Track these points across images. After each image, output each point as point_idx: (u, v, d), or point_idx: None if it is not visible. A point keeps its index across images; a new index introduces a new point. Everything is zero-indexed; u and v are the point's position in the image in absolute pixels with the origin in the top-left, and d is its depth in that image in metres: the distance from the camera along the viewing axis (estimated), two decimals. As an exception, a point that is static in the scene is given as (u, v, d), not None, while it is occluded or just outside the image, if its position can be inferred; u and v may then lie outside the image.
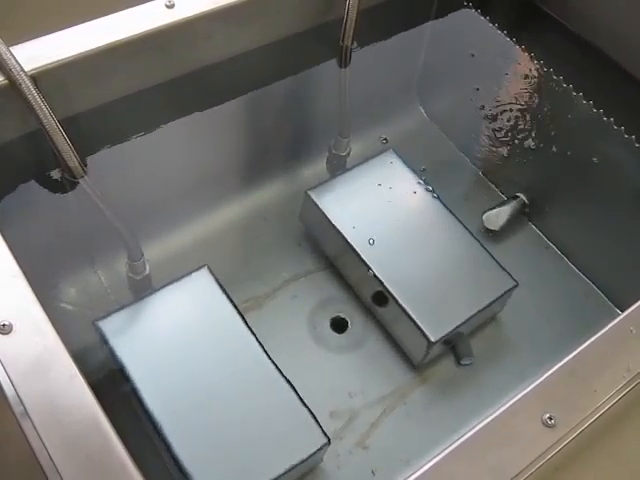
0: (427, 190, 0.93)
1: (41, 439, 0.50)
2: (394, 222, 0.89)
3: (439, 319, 0.83)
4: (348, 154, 0.97)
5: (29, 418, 0.51)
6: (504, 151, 1.03)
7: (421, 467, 0.52)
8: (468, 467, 0.52)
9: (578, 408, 0.56)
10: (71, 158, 0.66)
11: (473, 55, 1.01)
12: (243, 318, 0.78)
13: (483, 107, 1.03)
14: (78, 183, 0.68)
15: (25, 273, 0.57)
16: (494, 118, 1.02)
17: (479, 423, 0.55)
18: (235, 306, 0.79)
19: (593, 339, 0.60)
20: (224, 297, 0.80)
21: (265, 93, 0.89)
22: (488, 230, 0.99)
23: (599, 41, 0.89)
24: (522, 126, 0.99)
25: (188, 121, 0.84)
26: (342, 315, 0.90)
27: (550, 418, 0.55)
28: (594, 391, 0.57)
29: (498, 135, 1.02)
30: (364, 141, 1.03)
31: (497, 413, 0.55)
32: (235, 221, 0.96)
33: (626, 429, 0.58)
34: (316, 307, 0.90)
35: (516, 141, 1.00)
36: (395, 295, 0.83)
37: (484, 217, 0.99)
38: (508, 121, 1.00)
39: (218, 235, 0.94)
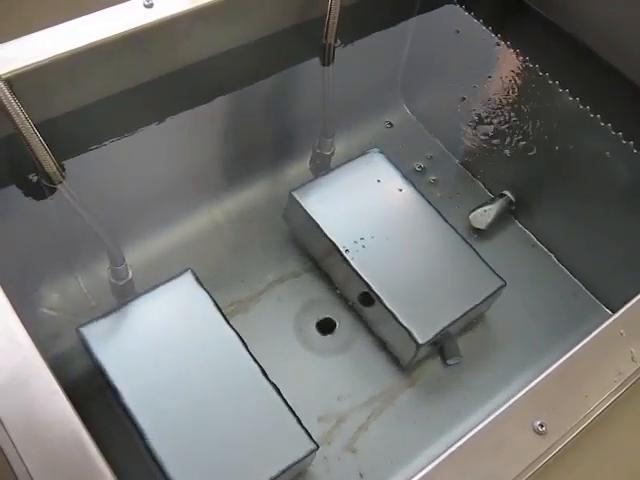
0: (413, 189, 0.92)
1: (20, 456, 0.49)
2: (379, 222, 0.89)
3: (427, 320, 0.82)
4: (332, 153, 0.96)
5: (7, 435, 0.49)
6: (490, 149, 1.02)
7: (410, 478, 0.51)
8: (458, 478, 0.51)
9: (569, 414, 0.55)
10: (49, 163, 0.65)
11: (458, 51, 1.01)
12: (228, 322, 0.78)
13: (469, 104, 1.02)
14: (56, 189, 0.66)
15: (1, 282, 0.56)
16: (480, 116, 1.02)
17: (469, 432, 0.53)
18: (220, 310, 0.79)
19: (583, 343, 0.59)
20: (209, 301, 0.79)
21: (247, 92, 0.89)
22: (475, 229, 0.98)
23: (586, 37, 0.88)
24: (508, 123, 0.98)
25: (169, 122, 0.83)
26: (329, 317, 0.90)
27: (541, 425, 0.54)
28: (585, 396, 0.56)
29: (484, 133, 1.02)
30: (348, 140, 1.03)
31: (487, 421, 0.54)
32: (219, 223, 0.95)
33: (618, 434, 0.57)
34: (302, 309, 0.90)
35: (502, 138, 1.00)
36: (381, 296, 0.83)
37: (471, 216, 0.98)
38: (494, 118, 1.00)
39: (201, 238, 0.94)
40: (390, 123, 1.09)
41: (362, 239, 0.87)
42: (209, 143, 0.93)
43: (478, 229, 0.98)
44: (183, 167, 0.92)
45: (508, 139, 0.99)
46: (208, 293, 0.79)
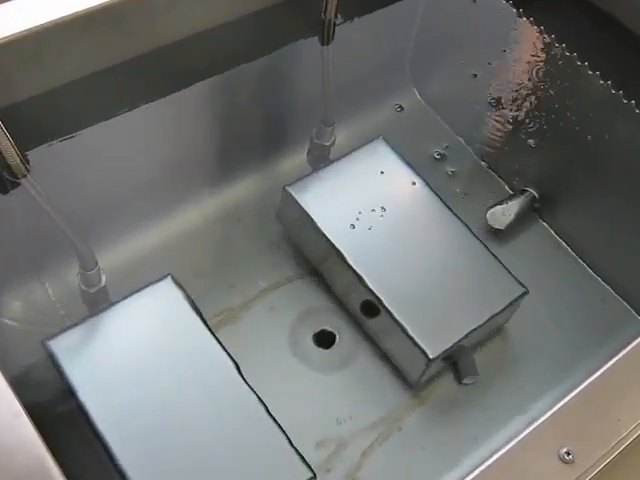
0: (423, 183, 0.93)
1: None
2: (385, 222, 0.89)
3: (438, 332, 0.83)
4: (332, 144, 0.96)
5: (-35, 463, 0.49)
6: (510, 138, 1.02)
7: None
8: (476, 511, 0.51)
9: (599, 441, 0.55)
10: (12, 155, 0.64)
11: (473, 28, 1.01)
12: (214, 334, 0.78)
13: (486, 88, 1.02)
14: (20, 183, 0.66)
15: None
16: (498, 100, 1.02)
17: (486, 460, 0.54)
18: (204, 321, 0.79)
19: (616, 359, 0.60)
20: (191, 310, 0.79)
21: (236, 75, 0.88)
22: (493, 229, 0.99)
23: (618, 12, 0.88)
24: (530, 109, 0.98)
25: (148, 109, 0.82)
26: (328, 328, 0.90)
27: (568, 453, 0.55)
28: (617, 420, 0.57)
29: (503, 119, 1.02)
30: (351, 128, 1.03)
31: (507, 448, 0.55)
32: (203, 223, 0.96)
33: (654, 463, 0.57)
34: (298, 320, 0.90)
35: (524, 126, 1.00)
36: (387, 305, 0.83)
37: (488, 214, 0.99)
38: (514, 103, 1.00)
39: (184, 239, 0.94)
40: (400, 107, 1.10)
41: (365, 240, 0.87)
42: (193, 132, 0.93)
43: (497, 229, 0.98)
44: (164, 159, 0.92)
45: (531, 127, 0.99)
46: (191, 301, 0.79)
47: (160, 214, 0.94)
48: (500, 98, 1.01)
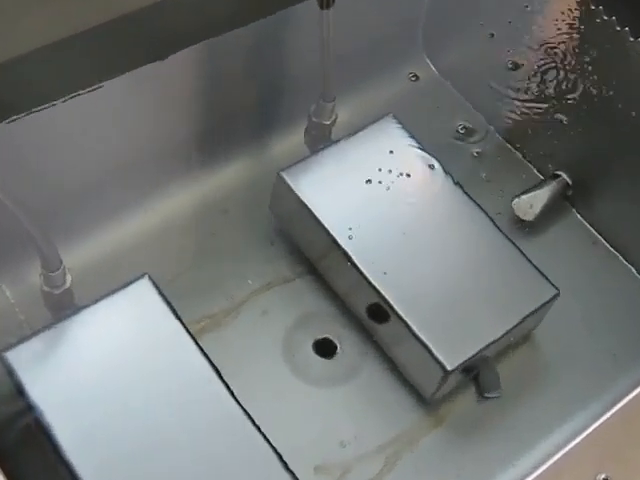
0: (440, 169, 0.93)
1: None
2: (396, 213, 0.89)
3: (456, 341, 0.83)
4: (333, 123, 0.96)
5: None
6: (538, 113, 1.02)
7: None
8: None
9: (643, 466, 0.55)
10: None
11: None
12: (197, 343, 0.78)
13: (508, 55, 1.02)
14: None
15: None
16: (523, 70, 1.02)
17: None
18: (186, 327, 0.79)
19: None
20: (171, 316, 0.79)
21: (224, 42, 0.89)
22: (520, 221, 0.99)
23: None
24: (561, 81, 0.98)
25: (121, 82, 0.82)
26: (329, 336, 0.90)
27: (606, 479, 0.54)
28: (663, 443, 0.56)
29: (530, 92, 1.02)
30: (354, 105, 1.04)
31: (536, 474, 0.54)
32: (185, 214, 0.96)
33: None
34: (294, 326, 0.90)
35: (555, 101, 1.00)
36: (398, 309, 0.83)
37: (514, 204, 0.99)
38: (542, 73, 1.00)
39: (162, 233, 0.94)
40: (415, 75, 1.10)
41: (372, 235, 0.87)
42: (172, 110, 0.93)
43: (524, 221, 0.99)
44: (139, 141, 0.91)
45: (562, 101, 0.99)
46: (170, 305, 0.79)
47: (134, 204, 0.94)
48: (525, 67, 1.01)
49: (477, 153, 1.06)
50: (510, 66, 1.02)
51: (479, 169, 1.04)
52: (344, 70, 0.92)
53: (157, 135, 0.93)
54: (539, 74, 1.00)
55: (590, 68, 0.95)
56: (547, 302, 0.86)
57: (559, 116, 0.99)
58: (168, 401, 0.74)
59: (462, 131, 1.08)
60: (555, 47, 0.97)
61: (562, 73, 0.98)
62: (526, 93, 1.02)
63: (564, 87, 0.98)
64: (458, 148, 1.05)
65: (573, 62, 0.96)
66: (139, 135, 0.91)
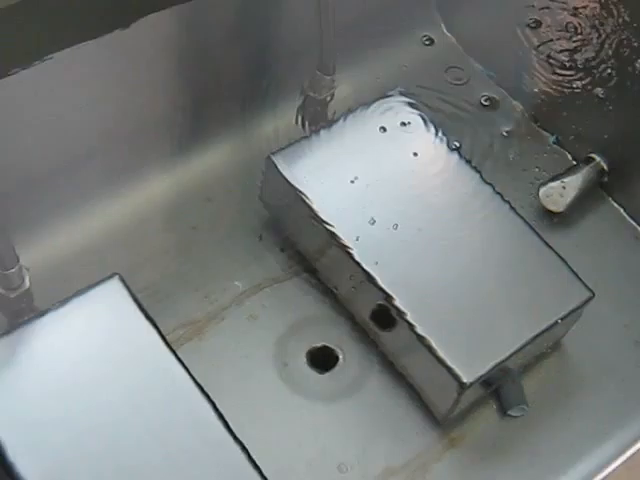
0: (454, 151, 0.93)
1: None
2: (404, 202, 0.89)
3: (475, 350, 0.83)
4: (332, 98, 0.97)
5: None
6: (569, 87, 1.02)
7: None
8: None
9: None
10: None
11: None
12: (175, 354, 0.77)
13: (529, 14, 1.03)
14: None
15: None
16: (548, 33, 1.02)
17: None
18: (162, 335, 0.78)
19: None
20: (145, 322, 0.79)
21: (207, 3, 0.89)
22: (548, 212, 0.99)
23: None
24: (596, 48, 0.98)
25: (85, 50, 0.82)
26: (328, 345, 0.90)
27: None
28: None
29: (558, 61, 1.02)
30: (356, 78, 1.04)
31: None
32: (161, 205, 0.97)
33: None
34: (287, 333, 0.90)
35: (587, 71, 1.00)
36: (407, 313, 0.83)
37: (542, 192, 0.99)
38: (572, 38, 1.00)
39: (135, 227, 0.94)
40: (419, 50, 1.10)
41: (377, 227, 0.87)
42: (148, 82, 0.93)
43: (553, 212, 0.99)
44: (107, 120, 0.91)
45: (598, 73, 0.99)
46: (144, 310, 0.79)
47: (103, 193, 0.94)
48: (546, 26, 1.01)
49: (498, 132, 1.06)
50: (532, 25, 1.02)
51: (501, 151, 1.04)
52: (346, 36, 0.93)
53: (128, 113, 0.93)
54: (572, 42, 1.00)
55: (628, 31, 0.95)
56: (580, 306, 0.86)
57: (594, 90, 0.99)
58: (143, 422, 0.74)
59: (482, 107, 1.08)
60: (591, 12, 0.97)
61: (601, 42, 0.98)
62: (554, 62, 1.02)
63: (598, 54, 0.98)
64: (477, 126, 1.05)
65: (612, 27, 0.96)
66: (108, 114, 0.91)
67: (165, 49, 0.91)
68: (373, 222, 0.87)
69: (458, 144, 0.92)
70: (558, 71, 1.02)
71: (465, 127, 1.04)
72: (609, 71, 0.97)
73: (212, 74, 0.96)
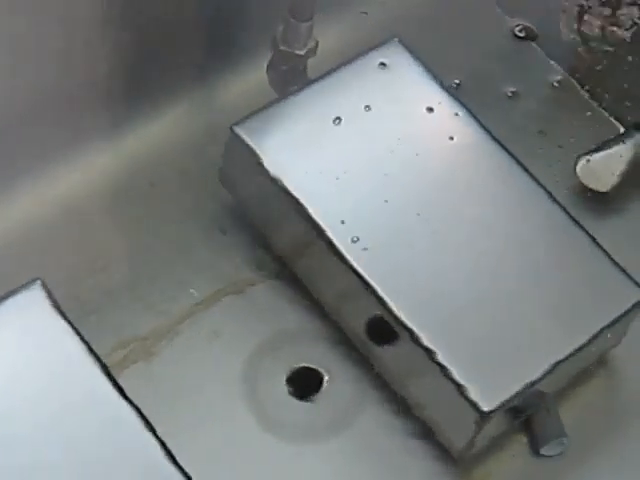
0: (468, 116, 0.93)
1: None
2: (403, 184, 0.90)
3: (497, 370, 0.83)
4: (312, 52, 0.97)
5: None
6: (614, 36, 1.02)
7: None
8: None
9: None
10: None
11: None
12: (112, 378, 0.77)
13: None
14: None
15: None
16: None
17: None
18: (96, 356, 0.77)
19: None
20: (74, 339, 0.78)
21: None
22: (589, 192, 0.99)
23: None
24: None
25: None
26: (310, 365, 0.90)
27: None
28: None
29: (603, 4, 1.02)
30: (341, 25, 1.05)
31: None
32: (95, 190, 0.96)
33: None
34: (260, 352, 0.90)
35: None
36: (411, 325, 0.83)
37: (580, 167, 0.99)
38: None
39: (63, 219, 0.94)
40: None
41: (374, 217, 0.88)
42: (79, 35, 0.92)
43: (596, 192, 0.99)
44: (27, 86, 0.91)
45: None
46: (73, 325, 0.78)
47: (21, 178, 0.94)
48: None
49: (523, 94, 1.07)
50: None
51: (528, 116, 1.05)
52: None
53: (54, 76, 0.93)
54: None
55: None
56: (630, 310, 0.86)
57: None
58: (70, 462, 0.73)
59: (502, 59, 1.09)
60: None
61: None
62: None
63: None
64: (495, 86, 1.06)
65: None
66: (27, 75, 0.91)
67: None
68: (367, 210, 0.88)
69: (465, 110, 0.92)
70: (600, 16, 1.02)
71: (477, 85, 1.04)
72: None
73: (158, 24, 0.96)
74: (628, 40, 1.00)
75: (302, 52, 0.95)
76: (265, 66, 0.99)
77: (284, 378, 0.89)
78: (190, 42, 1.00)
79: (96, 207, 0.95)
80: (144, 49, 0.97)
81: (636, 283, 0.87)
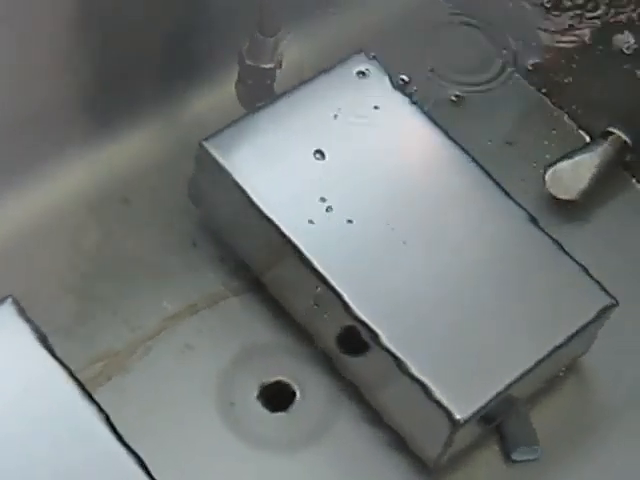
0: (437, 130, 0.94)
1: None
2: (371, 194, 0.90)
3: (469, 378, 0.83)
4: (278, 65, 0.97)
5: None
6: (582, 45, 1.03)
7: None
8: None
9: None
10: None
11: None
12: (87, 394, 0.76)
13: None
14: None
15: None
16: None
17: None
18: (69, 371, 0.77)
19: None
20: (46, 355, 0.78)
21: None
22: (557, 200, 0.99)
23: None
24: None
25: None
26: (283, 379, 0.90)
27: None
28: None
29: (565, 10, 1.03)
30: (310, 38, 1.05)
31: None
32: (66, 207, 0.96)
33: None
34: (232, 365, 0.90)
35: (603, 20, 1.00)
36: (381, 335, 0.83)
37: (548, 176, 1.00)
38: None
39: (34, 236, 0.94)
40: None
41: (343, 228, 0.88)
42: (44, 53, 0.92)
43: (563, 200, 0.99)
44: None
45: (613, 26, 0.99)
46: (45, 340, 0.78)
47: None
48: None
49: (491, 103, 1.07)
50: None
51: (495, 126, 1.05)
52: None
53: (21, 93, 0.93)
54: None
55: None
56: (599, 316, 0.86)
57: (615, 38, 1.00)
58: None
59: (471, 73, 1.09)
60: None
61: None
62: (564, 14, 1.02)
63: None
64: (465, 99, 1.06)
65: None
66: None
67: (69, 9, 0.90)
68: (336, 221, 0.88)
69: (434, 124, 0.92)
70: (566, 25, 1.02)
71: (446, 96, 1.05)
72: (625, 33, 0.99)
73: (126, 40, 0.96)
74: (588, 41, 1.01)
75: (269, 66, 0.96)
76: (233, 81, 0.99)
77: (257, 391, 0.89)
78: (159, 58, 1.01)
79: (68, 224, 0.95)
80: (114, 65, 0.97)
81: (604, 289, 0.87)
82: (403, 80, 1.02)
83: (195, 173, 0.93)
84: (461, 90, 1.07)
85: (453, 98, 1.06)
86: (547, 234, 0.89)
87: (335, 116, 0.93)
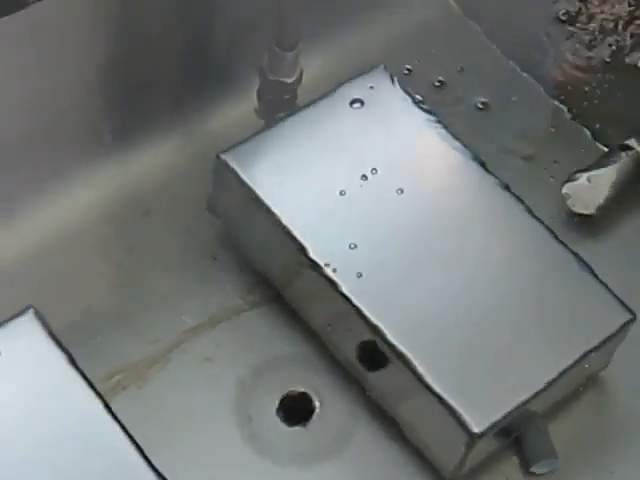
0: (455, 142, 0.93)
1: None
2: (393, 210, 0.90)
3: (487, 392, 0.83)
4: (298, 80, 0.97)
5: None
6: (597, 58, 1.03)
7: None
8: None
9: None
10: None
11: None
12: (106, 405, 0.77)
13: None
14: None
15: None
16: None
17: None
18: (89, 382, 0.78)
19: None
20: (67, 366, 0.78)
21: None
22: (575, 215, 0.99)
23: None
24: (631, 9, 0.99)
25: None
26: (302, 391, 0.90)
27: None
28: None
29: (582, 29, 1.03)
30: (330, 53, 1.05)
31: None
32: (87, 220, 0.96)
33: None
34: (251, 378, 0.90)
35: (621, 38, 1.01)
36: (402, 350, 0.83)
37: (565, 190, 0.99)
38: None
39: (55, 249, 0.94)
40: (411, 18, 1.11)
41: (363, 242, 0.87)
42: (65, 65, 0.92)
43: (582, 215, 0.99)
44: (14, 116, 0.91)
45: (630, 41, 1.00)
46: (66, 351, 0.78)
47: (15, 206, 0.94)
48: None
49: (509, 117, 1.07)
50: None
51: (514, 142, 1.05)
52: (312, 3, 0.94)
53: (44, 107, 0.93)
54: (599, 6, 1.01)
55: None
56: (619, 330, 0.86)
57: (631, 56, 1.00)
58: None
59: (489, 84, 1.09)
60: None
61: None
62: (582, 31, 1.02)
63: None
64: (481, 114, 1.05)
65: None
66: (14, 107, 0.90)
67: (88, 26, 0.90)
68: (356, 235, 0.87)
69: (452, 136, 0.92)
70: (584, 41, 1.02)
71: (464, 113, 1.05)
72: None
73: (146, 55, 0.96)
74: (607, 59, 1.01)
75: (290, 80, 0.96)
76: (254, 95, 0.99)
77: (276, 404, 0.89)
78: (180, 72, 1.01)
79: (89, 237, 0.95)
80: (135, 80, 0.97)
81: (623, 304, 0.86)
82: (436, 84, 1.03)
83: (214, 186, 0.92)
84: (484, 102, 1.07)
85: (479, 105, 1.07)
86: (567, 248, 0.89)
87: (355, 132, 0.93)
